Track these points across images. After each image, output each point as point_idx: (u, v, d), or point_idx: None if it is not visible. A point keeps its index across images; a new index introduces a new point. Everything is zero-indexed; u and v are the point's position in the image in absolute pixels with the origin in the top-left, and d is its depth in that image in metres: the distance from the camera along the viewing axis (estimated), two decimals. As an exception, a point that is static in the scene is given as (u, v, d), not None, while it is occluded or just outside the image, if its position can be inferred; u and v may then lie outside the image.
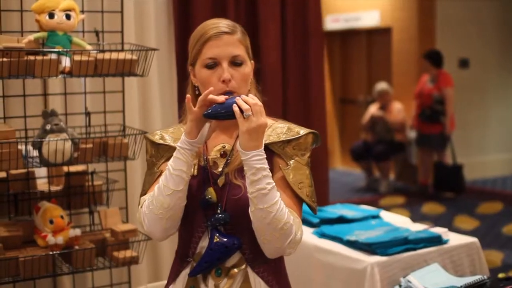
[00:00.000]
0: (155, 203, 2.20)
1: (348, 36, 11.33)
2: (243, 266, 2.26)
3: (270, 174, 2.13)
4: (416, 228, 3.81)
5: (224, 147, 2.31)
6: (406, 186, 9.69)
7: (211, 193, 2.24)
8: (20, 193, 3.61)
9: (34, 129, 3.64)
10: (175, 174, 2.16)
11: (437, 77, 8.94)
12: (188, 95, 2.17)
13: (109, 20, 3.95)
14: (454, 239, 3.66)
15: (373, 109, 9.65)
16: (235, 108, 2.08)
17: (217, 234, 2.23)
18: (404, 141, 9.54)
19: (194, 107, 2.17)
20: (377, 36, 10.85)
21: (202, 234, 2.28)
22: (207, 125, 2.20)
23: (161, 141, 2.36)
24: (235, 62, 2.23)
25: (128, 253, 3.60)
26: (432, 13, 9.84)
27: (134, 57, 3.51)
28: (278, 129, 2.32)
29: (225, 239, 2.23)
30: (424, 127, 9.09)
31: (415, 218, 7.09)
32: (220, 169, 2.28)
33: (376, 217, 4.03)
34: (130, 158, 3.61)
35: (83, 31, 3.74)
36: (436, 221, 7.32)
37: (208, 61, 2.22)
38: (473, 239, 3.65)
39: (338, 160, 11.63)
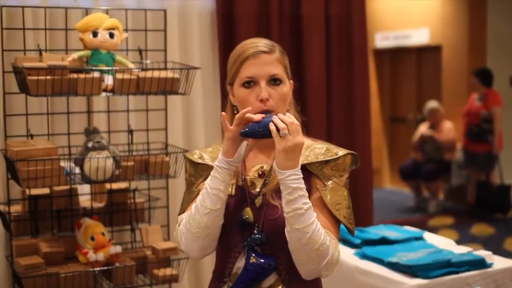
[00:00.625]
0: (192, 222, 2.21)
1: (398, 54, 11.26)
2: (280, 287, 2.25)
3: (307, 194, 2.11)
4: (460, 250, 3.75)
5: (262, 167, 2.30)
6: (456, 206, 9.54)
7: (248, 213, 2.23)
8: (63, 210, 3.64)
9: (78, 146, 3.68)
10: (212, 193, 2.17)
11: (485, 96, 8.83)
12: (223, 113, 2.17)
13: (154, 39, 3.98)
14: (499, 262, 3.60)
15: (423, 128, 9.56)
16: (272, 126, 2.08)
17: (253, 255, 2.22)
18: (453, 161, 9.41)
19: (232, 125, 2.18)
20: (427, 54, 10.75)
21: (238, 254, 2.27)
22: (244, 143, 2.19)
23: (199, 161, 2.37)
24: (273, 82, 2.23)
25: (168, 271, 3.59)
26: (483, 30, 9.73)
27: (176, 75, 3.52)
28: (317, 150, 2.30)
29: (261, 260, 2.22)
30: (471, 145, 8.98)
31: (464, 239, 7.00)
32: (258, 189, 2.27)
33: (419, 238, 3.97)
34: (171, 176, 3.62)
35: (127, 50, 3.76)
36: (486, 242, 7.19)
37: (246, 79, 2.22)
38: (518, 263, 3.58)
39: (387, 179, 11.52)
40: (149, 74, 3.42)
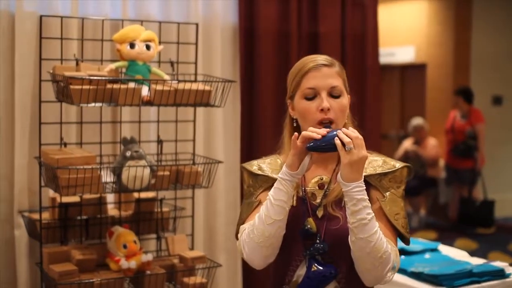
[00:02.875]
0: (256, 232, 2.28)
1: (382, 71, 11.37)
2: None
3: (370, 205, 2.20)
4: (476, 262, 3.86)
5: (321, 179, 2.39)
6: (437, 222, 9.70)
7: (311, 224, 2.31)
8: (92, 218, 3.69)
9: (105, 155, 3.74)
10: (276, 204, 2.24)
11: (469, 113, 9.06)
12: (295, 133, 2.23)
13: (179, 51, 4.05)
14: (516, 273, 3.72)
15: (407, 144, 9.71)
16: (337, 141, 2.15)
17: (315, 263, 2.30)
18: (436, 177, 9.59)
19: (291, 137, 2.27)
20: (412, 72, 10.92)
21: (299, 263, 2.35)
22: (308, 157, 2.26)
23: (259, 172, 2.44)
24: (333, 94, 2.32)
25: (198, 279, 3.65)
26: (467, 50, 9.94)
27: (207, 87, 3.58)
28: (374, 162, 2.40)
29: (323, 268, 2.29)
30: (455, 162, 9.17)
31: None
32: (318, 201, 2.35)
33: (434, 250, 4.08)
34: (203, 186, 3.69)
35: (159, 61, 3.83)
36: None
37: (308, 91, 2.32)
38: (535, 274, 3.70)
39: (368, 193, 11.63)
40: (186, 86, 3.48)
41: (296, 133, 2.24)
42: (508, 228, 9.35)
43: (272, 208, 2.25)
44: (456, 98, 9.22)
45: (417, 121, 9.68)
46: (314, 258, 2.31)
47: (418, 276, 3.56)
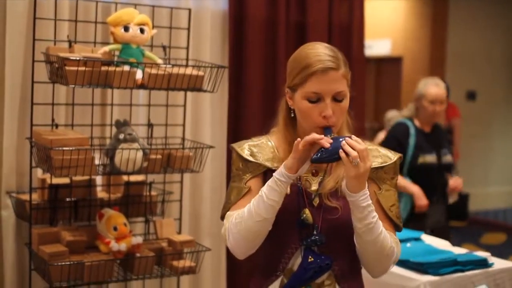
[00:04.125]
0: (243, 225, 2.24)
1: (358, 63, 11.46)
2: (332, 282, 2.32)
3: (374, 208, 2.19)
4: (458, 251, 3.93)
5: (315, 166, 2.35)
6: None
7: (307, 215, 2.29)
8: (81, 200, 3.69)
9: (95, 137, 3.74)
10: (268, 203, 2.19)
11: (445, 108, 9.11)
12: (299, 139, 2.17)
13: (168, 36, 4.05)
14: (498, 263, 3.78)
15: (381, 136, 9.75)
16: (342, 154, 2.10)
17: (311, 254, 2.29)
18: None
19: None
20: (388, 65, 11.01)
21: (295, 251, 2.33)
22: (308, 162, 2.20)
23: (251, 158, 2.37)
24: (337, 98, 2.24)
25: (187, 263, 3.68)
26: (443, 46, 10.04)
27: (201, 73, 3.59)
28: (370, 153, 2.30)
29: (319, 260, 2.28)
30: (430, 155, 9.23)
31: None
32: (313, 188, 2.33)
33: (417, 239, 4.14)
34: (194, 170, 3.70)
35: (151, 45, 3.83)
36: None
37: (312, 95, 2.22)
38: (515, 264, 3.78)
39: (343, 186, 11.70)
40: (180, 70, 3.49)
41: (299, 139, 2.17)
42: (480, 221, 9.49)
43: (264, 206, 2.19)
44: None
45: (392, 113, 9.73)
46: (310, 248, 2.30)
47: (404, 264, 3.60)
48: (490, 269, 3.69)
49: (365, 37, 5.31)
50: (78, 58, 3.25)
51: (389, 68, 11.00)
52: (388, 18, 10.74)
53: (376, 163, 2.34)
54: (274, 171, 2.24)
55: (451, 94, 9.20)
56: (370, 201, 2.16)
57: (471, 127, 10.15)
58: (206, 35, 4.48)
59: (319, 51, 2.25)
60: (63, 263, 3.35)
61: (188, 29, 3.92)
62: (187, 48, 3.91)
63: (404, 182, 4.81)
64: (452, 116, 9.10)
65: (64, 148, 3.24)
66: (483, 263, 3.69)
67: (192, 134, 4.43)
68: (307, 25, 4.90)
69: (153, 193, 3.90)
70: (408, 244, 3.99)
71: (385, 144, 4.44)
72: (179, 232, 3.94)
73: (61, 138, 3.31)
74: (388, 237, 2.24)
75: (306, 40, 4.87)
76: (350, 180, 2.12)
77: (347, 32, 5.12)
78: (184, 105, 3.99)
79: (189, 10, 3.94)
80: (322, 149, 2.13)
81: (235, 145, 2.46)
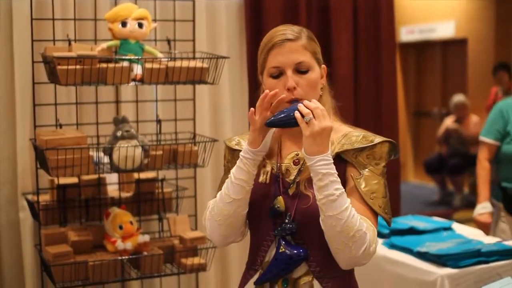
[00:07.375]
0: (216, 210, 2.22)
1: (423, 47, 11.20)
2: (310, 279, 2.20)
3: (339, 180, 2.06)
4: (489, 241, 3.72)
5: (297, 154, 2.25)
6: (481, 201, 9.46)
7: (279, 202, 2.20)
8: (91, 199, 3.66)
9: (106, 135, 3.70)
10: (236, 183, 2.15)
11: (511, 89, 8.76)
12: (252, 108, 2.14)
13: (181, 29, 3.99)
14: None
15: (448, 122, 9.49)
16: (297, 114, 2.04)
17: (284, 244, 2.19)
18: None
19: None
20: (453, 47, 10.69)
21: (271, 243, 2.24)
22: (270, 133, 2.18)
23: (236, 147, 2.33)
24: (300, 69, 2.18)
25: (196, 260, 3.60)
26: (509, 24, 9.66)
27: (205, 65, 3.51)
28: (353, 138, 2.23)
29: (290, 250, 2.18)
30: (497, 139, 8.90)
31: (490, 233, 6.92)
32: (292, 177, 2.23)
33: (448, 229, 3.95)
34: (199, 165, 3.62)
35: (155, 40, 3.77)
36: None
37: (273, 70, 2.18)
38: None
39: (411, 173, 11.47)
40: (177, 63, 3.42)
41: (252, 109, 2.13)
42: None
43: (232, 187, 2.16)
44: (499, 73, 8.93)
45: (458, 98, 9.44)
46: (284, 238, 2.20)
47: (423, 256, 3.44)
48: (519, 259, 3.47)
49: (425, 21, 5.09)
50: (69, 57, 3.21)
51: (454, 50, 10.68)
52: (451, 0, 10.41)
53: (357, 145, 2.20)
54: None
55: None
56: (333, 171, 2.04)
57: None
58: (221, 27, 4.39)
59: (279, 28, 2.25)
60: (65, 264, 3.33)
61: (194, 20, 3.83)
62: (193, 40, 3.82)
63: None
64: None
65: (58, 148, 3.21)
66: (509, 253, 3.47)
67: (212, 129, 4.35)
68: (330, 9, 4.73)
69: (168, 189, 3.84)
70: (444, 234, 3.82)
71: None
72: (196, 229, 3.86)
73: (56, 138, 3.28)
74: (357, 219, 2.06)
75: (330, 26, 4.73)
76: (306, 140, 2.04)
77: (374, 15, 4.91)
78: (194, 99, 3.90)
79: (193, 1, 3.85)
80: (278, 112, 2.09)
81: (226, 139, 2.45)
